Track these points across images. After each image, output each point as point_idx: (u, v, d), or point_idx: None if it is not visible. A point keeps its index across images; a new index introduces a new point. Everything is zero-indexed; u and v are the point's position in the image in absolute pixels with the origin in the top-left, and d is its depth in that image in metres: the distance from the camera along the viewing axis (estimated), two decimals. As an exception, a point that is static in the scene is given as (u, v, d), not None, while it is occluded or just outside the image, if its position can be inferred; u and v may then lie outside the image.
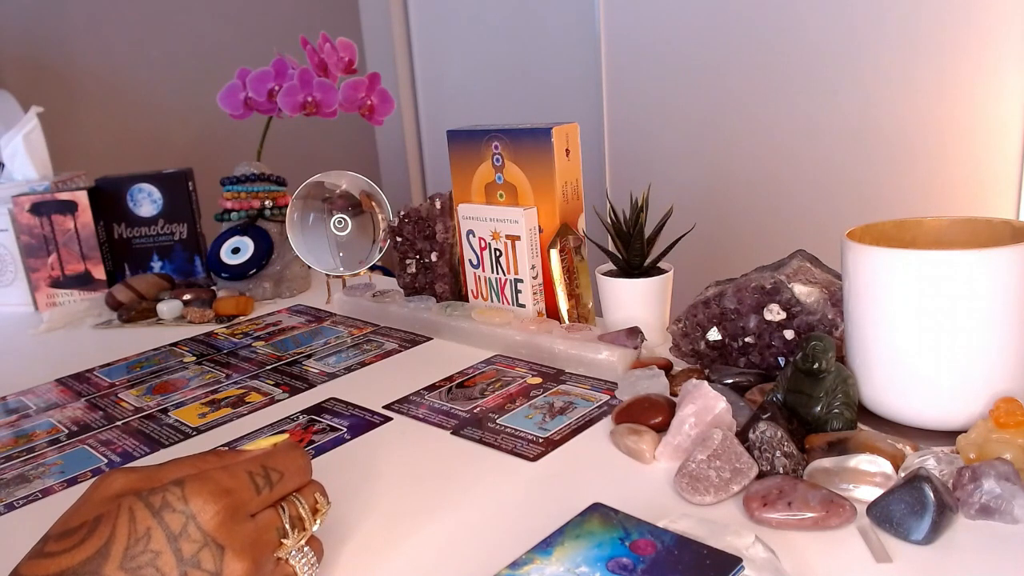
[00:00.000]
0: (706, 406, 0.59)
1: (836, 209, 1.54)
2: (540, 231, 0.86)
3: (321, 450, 0.66)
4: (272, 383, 0.83)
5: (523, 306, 0.87)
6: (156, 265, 1.24)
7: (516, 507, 0.55)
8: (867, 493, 0.50)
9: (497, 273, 0.89)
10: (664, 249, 0.83)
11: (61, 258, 1.19)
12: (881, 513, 0.48)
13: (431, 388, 0.77)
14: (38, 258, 1.18)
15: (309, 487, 0.47)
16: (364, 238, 1.07)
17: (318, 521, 0.46)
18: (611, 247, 0.84)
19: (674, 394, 0.69)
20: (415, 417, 0.71)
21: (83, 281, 1.20)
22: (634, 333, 0.77)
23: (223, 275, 1.16)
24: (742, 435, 0.57)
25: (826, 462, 0.53)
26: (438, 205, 0.94)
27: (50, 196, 1.18)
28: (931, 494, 0.47)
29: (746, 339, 0.69)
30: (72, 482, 0.64)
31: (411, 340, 0.92)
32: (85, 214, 1.19)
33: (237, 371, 0.87)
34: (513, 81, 2.04)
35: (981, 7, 1.32)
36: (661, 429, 0.62)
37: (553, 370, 0.79)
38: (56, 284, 1.19)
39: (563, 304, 0.85)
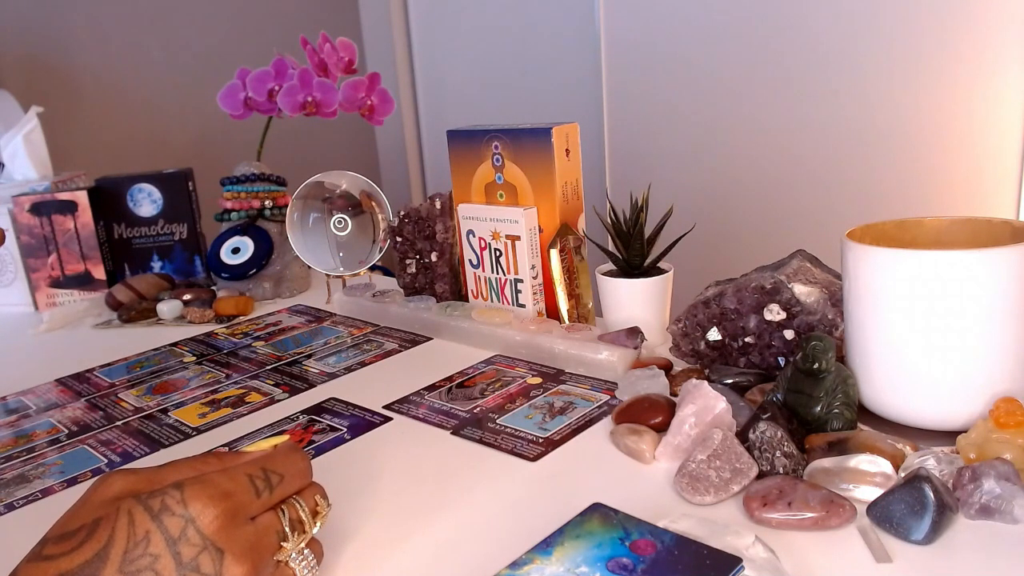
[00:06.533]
0: (706, 406, 0.59)
1: (836, 209, 1.54)
2: (540, 231, 0.86)
3: (321, 450, 0.66)
4: (272, 383, 0.83)
5: (523, 306, 0.87)
6: (156, 265, 1.24)
7: (516, 507, 0.55)
8: (867, 493, 0.50)
9: (497, 273, 0.89)
10: (664, 249, 0.83)
11: (61, 258, 1.19)
12: (881, 513, 0.48)
13: (431, 388, 0.77)
14: (38, 258, 1.18)
15: (309, 489, 0.47)
16: (364, 238, 1.07)
17: (318, 524, 0.46)
18: (611, 247, 0.84)
19: (674, 394, 0.69)
20: (415, 417, 0.71)
21: (83, 281, 1.20)
22: (634, 333, 0.77)
23: (223, 275, 1.16)
24: (742, 435, 0.57)
25: (826, 462, 0.53)
26: (438, 205, 0.94)
27: (50, 196, 1.18)
28: (931, 494, 0.47)
29: (746, 339, 0.69)
30: (72, 482, 0.64)
31: (411, 340, 0.92)
32: (85, 214, 1.19)
33: (237, 371, 0.87)
34: (513, 81, 2.04)
35: (981, 7, 1.32)
36: (661, 429, 0.62)
37: (553, 370, 0.79)
38: (56, 284, 1.19)
39: (563, 304, 0.85)
